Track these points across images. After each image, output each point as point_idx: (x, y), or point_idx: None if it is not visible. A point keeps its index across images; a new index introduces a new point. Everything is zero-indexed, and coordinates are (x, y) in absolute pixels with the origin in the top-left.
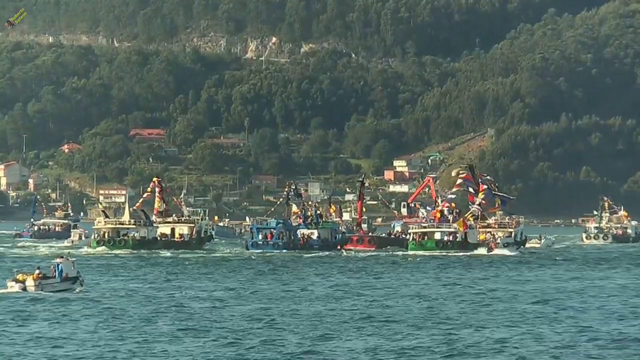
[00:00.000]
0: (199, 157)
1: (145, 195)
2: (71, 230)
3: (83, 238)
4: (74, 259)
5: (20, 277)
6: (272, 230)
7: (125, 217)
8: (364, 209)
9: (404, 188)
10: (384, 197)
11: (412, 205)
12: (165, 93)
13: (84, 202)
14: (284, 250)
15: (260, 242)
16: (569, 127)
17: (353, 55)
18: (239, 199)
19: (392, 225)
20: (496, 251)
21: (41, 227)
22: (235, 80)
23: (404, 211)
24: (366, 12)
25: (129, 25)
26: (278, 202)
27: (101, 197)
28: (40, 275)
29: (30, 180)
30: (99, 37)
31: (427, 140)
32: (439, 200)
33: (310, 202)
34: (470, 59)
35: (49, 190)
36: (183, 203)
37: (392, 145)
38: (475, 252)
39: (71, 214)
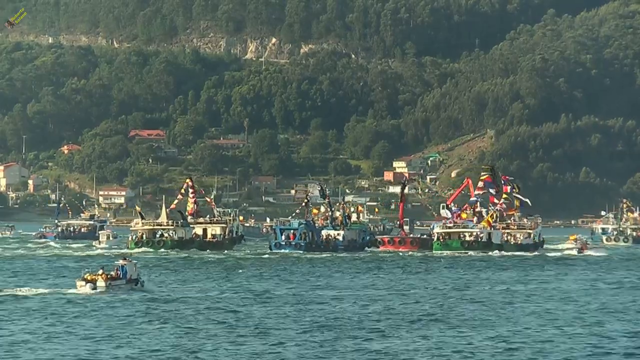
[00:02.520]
0: (198, 158)
1: (179, 197)
2: (98, 231)
3: (111, 239)
4: (136, 261)
5: (88, 276)
6: (294, 231)
7: (163, 218)
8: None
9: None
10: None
11: (452, 206)
12: (165, 94)
13: (84, 202)
14: (306, 251)
15: (283, 243)
16: (569, 128)
17: (353, 56)
18: (239, 200)
19: (431, 227)
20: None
21: (66, 228)
22: (235, 81)
23: (443, 213)
24: (366, 12)
25: (128, 26)
26: (303, 204)
27: (101, 198)
28: (109, 276)
29: (30, 181)
30: (99, 37)
31: (426, 141)
32: (476, 202)
33: (338, 204)
34: (469, 59)
35: (49, 191)
36: (214, 204)
37: (391, 146)
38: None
39: (98, 216)
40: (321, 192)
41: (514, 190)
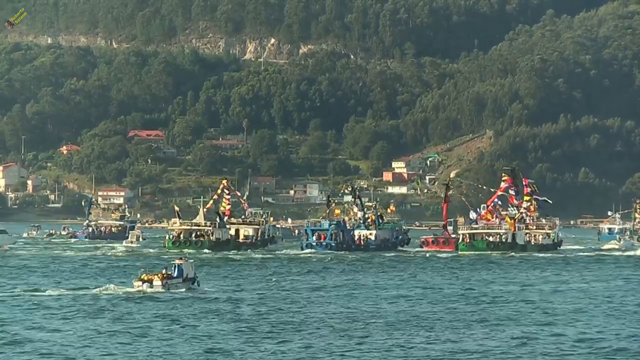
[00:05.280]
0: (197, 158)
1: (214, 197)
2: (129, 232)
3: (141, 240)
4: (192, 260)
5: (145, 276)
6: (325, 231)
7: (200, 219)
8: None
9: (403, 189)
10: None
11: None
12: (164, 94)
13: (83, 203)
14: (337, 251)
15: (314, 243)
16: (568, 129)
17: (352, 57)
18: (237, 200)
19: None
20: None
21: (97, 228)
22: (234, 82)
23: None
24: (365, 13)
25: (127, 27)
26: (331, 205)
27: (100, 199)
28: (166, 275)
29: (29, 182)
30: (98, 38)
31: (425, 142)
32: (516, 203)
33: (372, 204)
34: (468, 60)
35: (48, 192)
36: (246, 205)
37: (390, 147)
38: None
39: (127, 216)
40: (352, 192)
41: (535, 192)
